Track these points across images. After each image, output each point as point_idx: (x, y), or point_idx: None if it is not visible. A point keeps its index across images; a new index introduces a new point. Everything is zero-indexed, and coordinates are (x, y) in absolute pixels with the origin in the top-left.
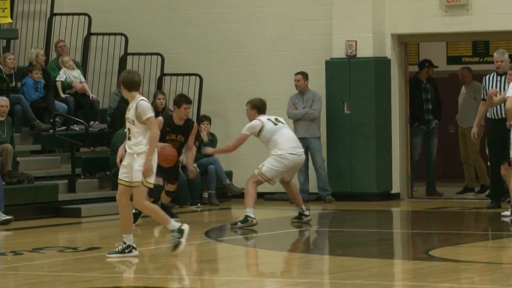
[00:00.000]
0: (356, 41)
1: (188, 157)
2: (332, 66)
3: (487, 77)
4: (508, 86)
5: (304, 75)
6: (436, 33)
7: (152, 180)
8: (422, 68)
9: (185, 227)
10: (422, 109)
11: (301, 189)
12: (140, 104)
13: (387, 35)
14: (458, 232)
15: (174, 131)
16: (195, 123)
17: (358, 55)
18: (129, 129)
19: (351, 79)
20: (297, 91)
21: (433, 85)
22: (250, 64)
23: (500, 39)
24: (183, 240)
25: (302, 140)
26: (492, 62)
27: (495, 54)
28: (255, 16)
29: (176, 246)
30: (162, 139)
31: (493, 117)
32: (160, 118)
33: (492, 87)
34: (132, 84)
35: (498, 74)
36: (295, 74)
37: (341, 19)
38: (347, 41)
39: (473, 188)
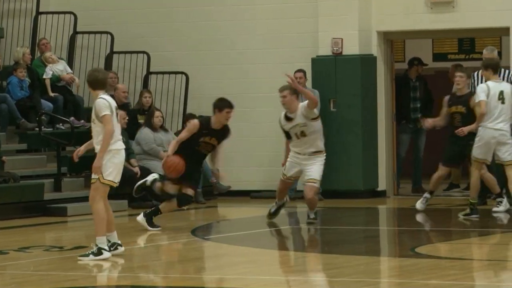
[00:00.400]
0: (342, 39)
1: (214, 161)
2: (319, 64)
3: (476, 73)
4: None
5: (304, 73)
6: (422, 30)
7: (112, 178)
8: (411, 66)
9: (107, 254)
10: (409, 108)
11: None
12: (97, 102)
13: (373, 32)
14: (444, 229)
15: (210, 134)
16: (229, 129)
17: (344, 53)
18: (91, 128)
19: (337, 77)
20: None
21: (422, 83)
22: (236, 62)
23: (486, 36)
24: (92, 258)
25: None
26: (478, 59)
27: (484, 51)
28: (242, 14)
29: (84, 255)
30: (195, 140)
31: None
32: (196, 121)
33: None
34: (95, 82)
35: None
36: (296, 72)
37: (327, 17)
38: (333, 38)
39: (458, 184)
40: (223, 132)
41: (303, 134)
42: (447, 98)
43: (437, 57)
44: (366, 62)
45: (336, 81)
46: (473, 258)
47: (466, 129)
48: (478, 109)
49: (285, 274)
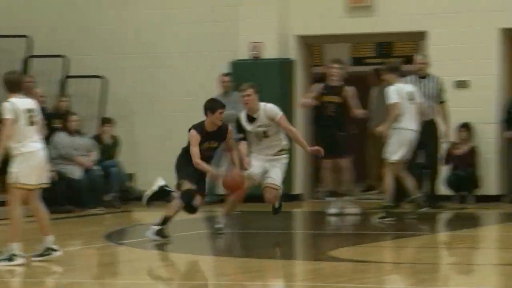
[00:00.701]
0: (261, 43)
1: (234, 158)
2: (238, 68)
3: (407, 79)
4: (428, 87)
5: (231, 76)
6: (341, 35)
7: (26, 181)
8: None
9: (19, 260)
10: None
11: (210, 192)
12: (1, 105)
13: (292, 36)
14: (360, 232)
15: (207, 139)
16: (229, 126)
17: (263, 56)
18: None
19: (257, 81)
20: (220, 92)
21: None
22: (155, 66)
23: (404, 40)
24: (4, 264)
25: None
26: None
27: (418, 56)
28: (161, 17)
29: (4, 260)
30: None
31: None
32: (194, 132)
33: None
34: (8, 85)
35: (419, 76)
36: (223, 75)
37: (246, 20)
38: (252, 42)
39: (374, 186)
40: (220, 132)
41: (265, 135)
42: (319, 85)
43: (355, 61)
44: (285, 66)
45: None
46: (387, 261)
47: (381, 130)
48: (391, 111)
49: (199, 279)
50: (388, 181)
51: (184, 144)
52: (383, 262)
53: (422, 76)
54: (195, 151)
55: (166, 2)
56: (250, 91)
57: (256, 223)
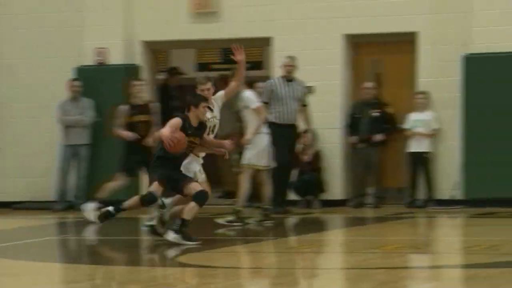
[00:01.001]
0: (106, 48)
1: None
2: (83, 73)
3: (274, 81)
4: (295, 90)
5: (79, 81)
6: (186, 40)
7: None
8: (171, 75)
9: None
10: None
11: (62, 198)
12: None
13: (137, 42)
14: (207, 238)
15: (193, 134)
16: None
17: (108, 62)
18: None
19: (102, 86)
20: (69, 98)
21: (182, 93)
22: (1, 71)
23: (249, 46)
24: None
25: (73, 147)
26: None
27: (286, 60)
28: (4, 23)
29: None
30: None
31: (278, 121)
32: (178, 119)
33: (282, 91)
34: None
35: (287, 79)
36: (72, 81)
37: (91, 26)
38: (97, 48)
39: (234, 191)
40: (202, 128)
41: (213, 130)
42: (125, 107)
43: (200, 67)
44: (130, 71)
45: (101, 91)
46: (235, 266)
47: (249, 137)
48: (259, 114)
49: (46, 286)
50: (244, 186)
51: (29, 149)
52: (231, 267)
53: (289, 79)
54: (164, 130)
55: (9, 7)
56: (209, 85)
57: (105, 230)
